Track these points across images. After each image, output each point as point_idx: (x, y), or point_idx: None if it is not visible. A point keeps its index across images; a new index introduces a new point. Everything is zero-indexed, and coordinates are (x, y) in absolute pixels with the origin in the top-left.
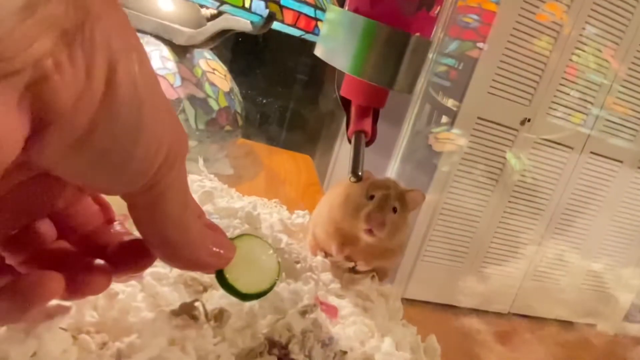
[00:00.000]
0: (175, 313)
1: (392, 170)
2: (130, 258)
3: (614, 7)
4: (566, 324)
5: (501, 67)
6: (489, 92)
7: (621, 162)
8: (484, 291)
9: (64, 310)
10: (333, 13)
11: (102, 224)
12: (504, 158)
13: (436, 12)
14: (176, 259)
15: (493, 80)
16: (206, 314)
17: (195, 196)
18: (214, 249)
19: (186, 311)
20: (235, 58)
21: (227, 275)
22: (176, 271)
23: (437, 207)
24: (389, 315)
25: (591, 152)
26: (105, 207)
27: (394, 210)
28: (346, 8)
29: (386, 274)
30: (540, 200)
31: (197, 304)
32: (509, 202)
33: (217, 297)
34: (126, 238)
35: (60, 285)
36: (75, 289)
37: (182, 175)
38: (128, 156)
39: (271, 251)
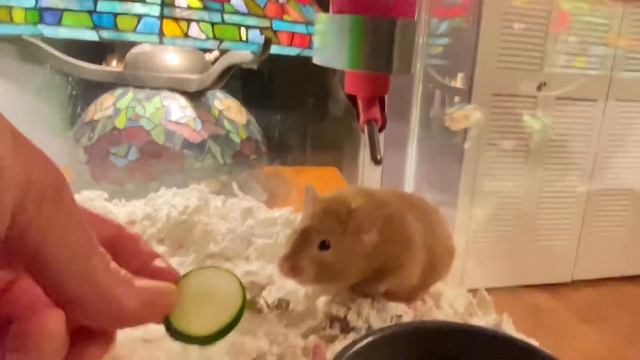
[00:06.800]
0: None
1: (410, 163)
2: (85, 343)
3: None
4: (633, 279)
5: (505, 34)
6: (498, 67)
7: None
8: (542, 264)
9: None
10: (321, 20)
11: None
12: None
13: None
14: (94, 318)
15: (499, 54)
16: (268, 305)
17: (236, 214)
18: (146, 298)
19: (250, 307)
20: (246, 92)
21: (174, 322)
22: None
23: (475, 187)
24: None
25: (616, 100)
26: None
27: (323, 245)
28: (330, 12)
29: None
30: (576, 160)
31: (258, 299)
32: (545, 169)
33: (274, 291)
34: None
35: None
36: None
37: (66, 217)
38: None
39: (229, 276)
